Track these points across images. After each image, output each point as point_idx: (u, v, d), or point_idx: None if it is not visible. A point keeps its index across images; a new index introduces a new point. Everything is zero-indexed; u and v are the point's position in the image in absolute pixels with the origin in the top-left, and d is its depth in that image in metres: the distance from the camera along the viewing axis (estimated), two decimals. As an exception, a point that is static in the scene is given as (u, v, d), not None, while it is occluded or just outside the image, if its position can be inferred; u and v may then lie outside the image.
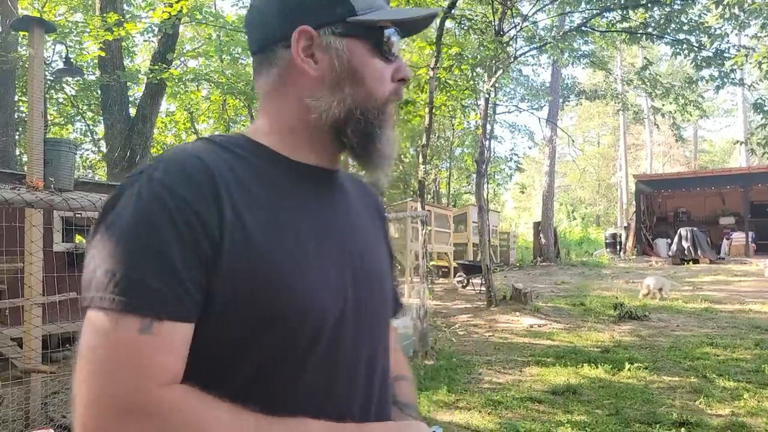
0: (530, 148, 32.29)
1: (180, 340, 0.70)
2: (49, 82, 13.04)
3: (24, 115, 13.27)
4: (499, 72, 11.12)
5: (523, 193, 31.55)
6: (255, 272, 0.74)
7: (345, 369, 0.83)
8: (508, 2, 10.33)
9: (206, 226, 0.72)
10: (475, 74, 11.76)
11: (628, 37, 11.09)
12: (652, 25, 10.67)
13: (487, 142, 12.89)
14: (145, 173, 0.75)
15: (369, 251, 0.93)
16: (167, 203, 0.71)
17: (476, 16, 11.82)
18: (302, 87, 0.85)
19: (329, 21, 0.83)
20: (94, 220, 0.78)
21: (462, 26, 10.62)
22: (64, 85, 15.18)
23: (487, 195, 13.78)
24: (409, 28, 0.93)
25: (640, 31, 10.74)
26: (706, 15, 10.70)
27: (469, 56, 10.41)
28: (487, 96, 11.45)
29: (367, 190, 1.04)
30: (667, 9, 10.22)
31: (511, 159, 25.35)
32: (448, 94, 10.47)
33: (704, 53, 10.64)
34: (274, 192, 0.81)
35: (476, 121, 15.47)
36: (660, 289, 10.92)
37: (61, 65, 9.80)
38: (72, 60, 8.36)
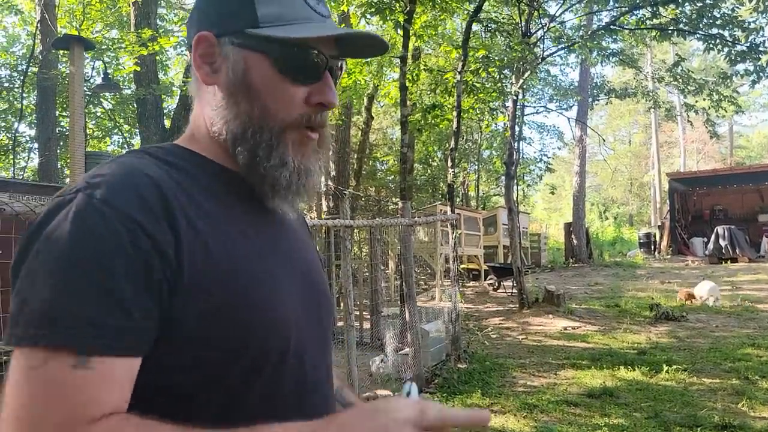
0: (560, 149, 31.94)
1: (122, 373, 0.64)
2: (87, 97, 13.46)
3: (65, 129, 13.73)
4: (527, 73, 11.07)
5: (553, 194, 31.18)
6: (222, 293, 0.70)
7: (306, 379, 0.81)
8: (535, 3, 10.29)
9: (161, 249, 0.66)
10: (502, 76, 11.73)
11: (658, 34, 10.91)
12: (684, 20, 10.49)
13: (515, 144, 12.84)
14: (82, 192, 0.66)
15: (309, 258, 0.91)
16: (114, 225, 0.64)
17: (503, 18, 11.80)
18: (207, 95, 0.82)
19: (230, 30, 0.78)
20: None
21: (488, 29, 10.61)
22: (101, 99, 15.67)
23: (517, 197, 13.71)
24: (350, 51, 0.86)
25: (671, 28, 10.56)
26: (740, 9, 10.47)
27: (496, 58, 10.39)
28: (515, 97, 11.41)
29: None
30: (699, 4, 10.04)
31: (541, 160, 25.14)
32: (476, 97, 10.46)
33: (738, 48, 10.40)
34: (219, 203, 0.77)
35: (504, 123, 15.40)
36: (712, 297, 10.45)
37: (98, 81, 10.14)
38: (109, 75, 8.64)
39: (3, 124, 16.44)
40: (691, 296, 10.49)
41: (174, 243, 0.67)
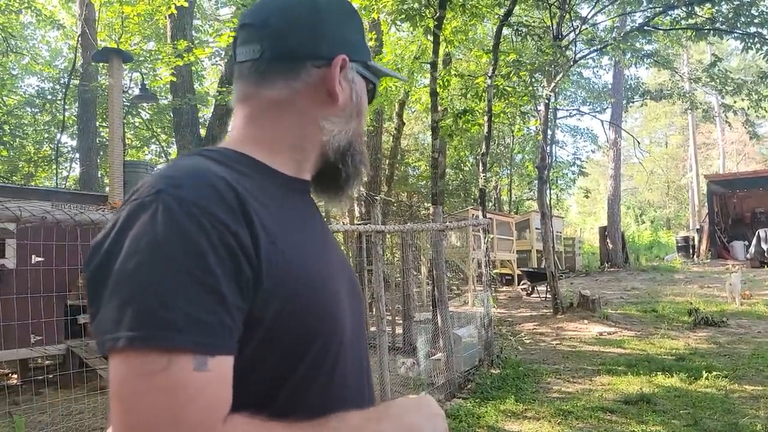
0: (593, 152, 31.40)
1: (230, 371, 0.66)
2: (126, 108, 13.87)
3: (105, 139, 14.16)
4: (559, 76, 10.97)
5: (587, 197, 30.63)
6: (296, 293, 0.73)
7: (353, 376, 0.85)
8: (566, 6, 10.20)
9: (245, 248, 0.67)
10: (533, 80, 11.63)
11: (694, 34, 10.68)
12: (720, 19, 10.26)
13: (548, 147, 12.71)
14: (164, 193, 0.66)
15: (346, 259, 0.99)
16: (205, 226, 0.65)
17: (533, 21, 11.71)
18: (321, 108, 0.87)
19: (358, 58, 0.91)
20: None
21: (519, 33, 10.55)
22: (139, 109, 16.12)
23: (550, 201, 13.55)
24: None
25: (707, 27, 10.33)
26: (779, 6, 10.18)
27: (527, 62, 10.32)
28: (547, 101, 11.31)
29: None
30: (736, 2, 9.80)
31: (574, 163, 24.80)
32: (507, 101, 10.40)
33: (779, 46, 10.11)
34: (282, 209, 0.80)
35: (536, 127, 15.27)
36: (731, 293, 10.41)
37: (136, 92, 10.45)
38: (147, 86, 8.88)
39: (46, 135, 17.07)
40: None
41: (252, 243, 0.69)
